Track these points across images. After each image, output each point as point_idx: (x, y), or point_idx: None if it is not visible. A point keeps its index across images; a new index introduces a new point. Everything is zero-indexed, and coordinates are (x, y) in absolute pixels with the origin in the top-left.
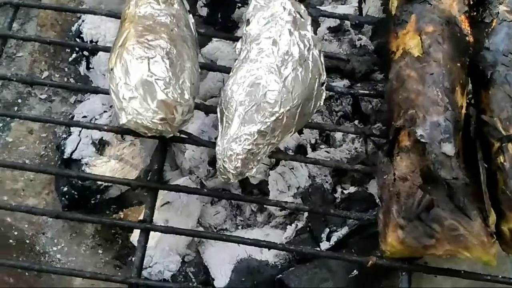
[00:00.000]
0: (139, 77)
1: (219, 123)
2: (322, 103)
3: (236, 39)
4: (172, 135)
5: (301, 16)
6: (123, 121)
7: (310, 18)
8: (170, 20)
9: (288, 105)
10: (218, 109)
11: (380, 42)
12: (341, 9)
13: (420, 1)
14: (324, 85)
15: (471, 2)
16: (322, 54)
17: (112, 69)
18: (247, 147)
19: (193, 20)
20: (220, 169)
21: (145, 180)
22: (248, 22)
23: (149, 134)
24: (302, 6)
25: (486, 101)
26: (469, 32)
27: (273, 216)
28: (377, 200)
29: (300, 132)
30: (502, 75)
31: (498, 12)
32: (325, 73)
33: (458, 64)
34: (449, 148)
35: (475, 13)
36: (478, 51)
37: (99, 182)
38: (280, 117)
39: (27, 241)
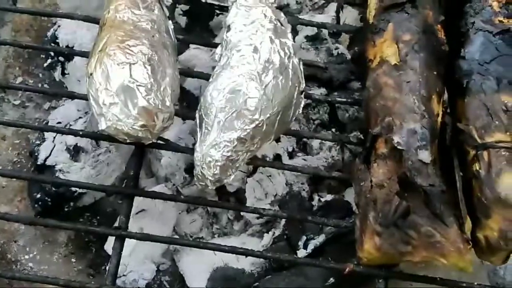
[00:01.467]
0: (120, 82)
1: (198, 129)
2: (300, 111)
3: (214, 45)
4: (151, 141)
5: (281, 24)
6: (103, 127)
7: (290, 26)
8: (151, 26)
9: (268, 113)
10: (197, 115)
11: (357, 51)
12: (318, 18)
13: (398, 10)
14: (303, 93)
15: (447, 12)
16: (301, 63)
17: (91, 74)
18: (226, 154)
19: (172, 27)
20: (198, 176)
21: (121, 187)
22: (228, 28)
23: (128, 141)
24: (282, 14)
25: (462, 109)
26: (445, 41)
27: (249, 224)
28: (354, 208)
29: (278, 140)
30: (478, 84)
31: (474, 22)
32: (304, 81)
33: (435, 73)
34: (425, 155)
35: (450, 23)
36: (454, 60)
37: (73, 189)
38: (260, 125)
39: None
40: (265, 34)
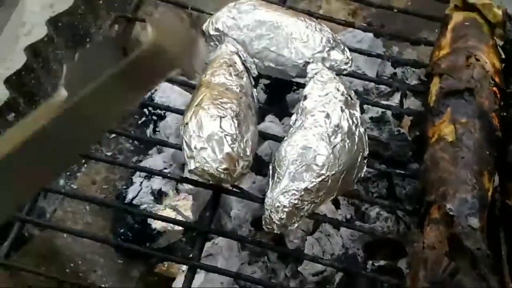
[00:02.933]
0: (211, 131)
1: (270, 179)
2: (362, 175)
3: (289, 115)
4: (229, 184)
5: (351, 98)
6: (191, 167)
7: (359, 102)
8: (239, 90)
9: (334, 170)
10: (270, 167)
11: (417, 134)
12: (384, 102)
13: (456, 97)
14: (366, 159)
15: (502, 103)
16: (366, 133)
17: (187, 123)
18: (294, 201)
19: (256, 94)
20: (266, 219)
21: (197, 224)
22: (305, 97)
23: (211, 181)
24: (352, 91)
25: (510, 189)
26: (498, 128)
27: (305, 281)
28: (406, 272)
29: (338, 207)
30: None
31: None
32: (367, 149)
33: (487, 152)
34: (474, 222)
35: (505, 113)
36: (506, 146)
37: (152, 227)
38: (326, 179)
39: (81, 274)
40: (337, 104)
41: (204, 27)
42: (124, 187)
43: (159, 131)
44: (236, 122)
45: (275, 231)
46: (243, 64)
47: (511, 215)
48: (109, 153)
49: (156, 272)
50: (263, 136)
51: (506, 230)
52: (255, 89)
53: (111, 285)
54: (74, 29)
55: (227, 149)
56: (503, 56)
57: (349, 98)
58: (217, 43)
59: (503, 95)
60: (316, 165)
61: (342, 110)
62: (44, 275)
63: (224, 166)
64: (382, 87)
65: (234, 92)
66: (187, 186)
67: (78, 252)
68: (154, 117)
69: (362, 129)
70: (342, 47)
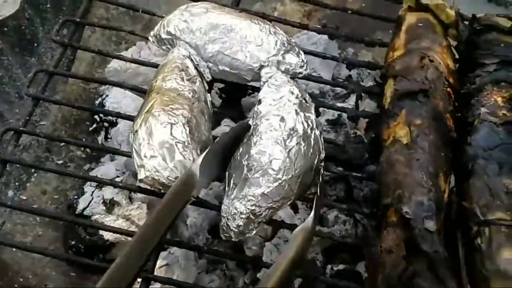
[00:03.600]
0: (161, 139)
1: (226, 186)
2: (320, 179)
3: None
4: None
5: (306, 101)
6: (142, 176)
7: (314, 105)
8: (192, 95)
9: (290, 174)
10: (226, 174)
11: (373, 136)
12: (339, 105)
13: (411, 99)
14: (323, 162)
15: (456, 104)
16: (322, 136)
17: (136, 131)
18: (250, 208)
19: (210, 98)
20: (223, 227)
21: None
22: (259, 102)
23: (163, 191)
24: (307, 94)
25: (467, 190)
26: (453, 128)
27: None
28: (364, 277)
29: (296, 211)
30: (482, 168)
31: (480, 113)
32: (324, 152)
33: (442, 154)
34: (431, 224)
35: (459, 114)
36: (461, 146)
37: (105, 238)
38: (283, 184)
39: None
40: (291, 107)
41: (155, 31)
42: (76, 197)
43: (111, 138)
44: (187, 128)
45: (233, 239)
46: (195, 68)
47: (467, 216)
48: (60, 162)
49: None
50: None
51: (462, 231)
52: (209, 94)
53: None
54: (21, 34)
55: (178, 156)
56: (457, 56)
57: (303, 101)
58: (169, 46)
59: (457, 95)
60: (272, 169)
61: (297, 113)
62: None
63: (175, 174)
64: (338, 89)
65: (186, 98)
66: (141, 195)
67: (27, 266)
68: (106, 124)
69: (317, 132)
70: (297, 50)
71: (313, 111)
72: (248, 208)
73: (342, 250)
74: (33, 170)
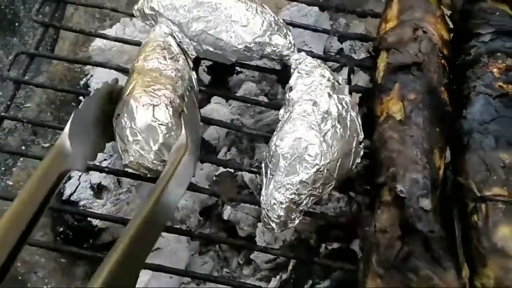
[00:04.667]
0: (144, 122)
1: (264, 177)
2: (359, 160)
3: (234, 98)
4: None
5: (339, 83)
6: (126, 161)
7: (347, 86)
8: (175, 74)
9: (328, 159)
10: (263, 164)
11: (366, 112)
12: None
13: (404, 72)
14: (362, 144)
15: (451, 76)
16: (359, 116)
17: (119, 115)
18: (290, 196)
19: (195, 76)
20: (264, 219)
21: None
22: (290, 89)
23: (149, 175)
24: (339, 76)
25: (462, 165)
26: (448, 102)
27: (258, 269)
28: (359, 256)
29: None
30: (477, 142)
31: (475, 86)
32: (362, 133)
33: (437, 129)
34: (426, 203)
35: (454, 86)
36: (456, 120)
37: (94, 224)
38: (321, 169)
39: (20, 278)
40: (323, 91)
41: (139, 5)
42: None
43: None
44: (170, 109)
45: (276, 230)
46: (178, 46)
47: (463, 192)
48: (46, 145)
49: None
50: (208, 122)
51: (459, 208)
52: (194, 72)
53: (53, 286)
54: (1, 13)
55: (162, 139)
56: (451, 26)
57: (336, 83)
58: (152, 22)
59: (452, 67)
60: (309, 155)
61: (330, 96)
62: None
63: (160, 158)
64: (330, 63)
65: (169, 77)
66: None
67: None
68: None
69: (353, 113)
70: (285, 30)
71: (346, 93)
72: (288, 197)
73: (336, 229)
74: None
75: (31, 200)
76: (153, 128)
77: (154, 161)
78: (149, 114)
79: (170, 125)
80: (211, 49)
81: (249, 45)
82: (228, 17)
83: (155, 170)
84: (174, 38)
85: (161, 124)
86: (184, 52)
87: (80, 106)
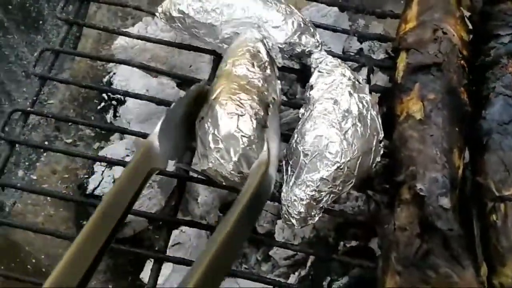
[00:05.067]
0: (227, 130)
1: (284, 174)
2: (379, 159)
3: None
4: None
5: (359, 82)
6: (204, 167)
7: (368, 85)
8: (261, 84)
9: (349, 156)
10: (283, 162)
11: (386, 111)
12: None
13: (424, 72)
14: (382, 143)
15: (470, 77)
16: (379, 116)
17: (202, 117)
18: (310, 193)
19: (280, 86)
20: (285, 215)
21: (161, 215)
22: (311, 87)
23: (224, 184)
24: (361, 77)
25: (481, 165)
26: (467, 102)
27: (277, 266)
28: (377, 254)
29: None
30: (497, 142)
31: (495, 87)
32: (382, 132)
33: (457, 129)
34: (445, 202)
35: (473, 87)
36: (475, 120)
37: None
38: (341, 167)
39: (43, 270)
40: (344, 90)
41: (164, 7)
42: (86, 176)
43: (119, 116)
44: (254, 121)
45: (296, 227)
46: (267, 53)
47: (482, 192)
48: (69, 141)
49: (123, 262)
50: None
51: (477, 208)
52: (279, 81)
53: None
54: (26, 11)
55: (242, 150)
56: (471, 27)
57: (356, 83)
58: (179, 25)
59: (471, 68)
60: (330, 153)
61: (351, 95)
62: (2, 275)
63: (239, 169)
64: (349, 63)
65: (256, 86)
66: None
67: (39, 247)
68: (114, 102)
69: (374, 112)
70: (312, 30)
71: (367, 92)
72: (308, 194)
73: (354, 226)
74: (42, 150)
75: (119, 199)
76: (236, 139)
77: (232, 172)
78: (233, 123)
79: (252, 137)
80: None
81: (281, 46)
82: (260, 18)
83: (231, 181)
84: (264, 45)
85: (243, 136)
86: (272, 60)
87: (171, 106)
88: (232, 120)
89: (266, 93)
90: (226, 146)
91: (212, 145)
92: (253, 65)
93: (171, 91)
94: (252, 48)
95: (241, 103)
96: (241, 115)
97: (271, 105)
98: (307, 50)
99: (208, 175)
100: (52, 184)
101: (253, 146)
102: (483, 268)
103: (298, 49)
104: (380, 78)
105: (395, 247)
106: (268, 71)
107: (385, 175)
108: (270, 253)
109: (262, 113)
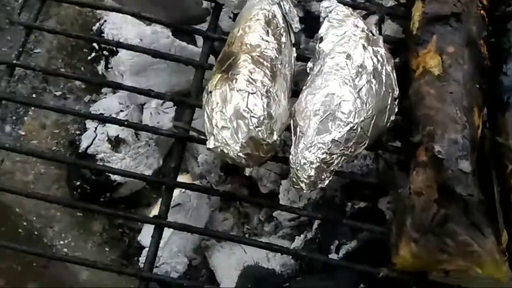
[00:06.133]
0: (235, 109)
1: (293, 135)
2: (393, 118)
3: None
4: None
5: (373, 34)
6: (211, 145)
7: (381, 37)
8: (275, 56)
9: (363, 116)
10: (291, 121)
11: (399, 65)
12: None
13: (442, 23)
14: (397, 100)
15: (490, 28)
16: (394, 70)
17: (211, 92)
18: (321, 156)
19: (295, 54)
20: (293, 179)
21: (161, 177)
22: (321, 39)
23: (230, 163)
24: (374, 26)
25: (501, 124)
26: (487, 56)
27: (280, 226)
28: (387, 216)
29: None
30: None
31: None
32: (398, 88)
33: (477, 86)
34: (466, 165)
35: (493, 40)
36: (495, 76)
37: (112, 179)
38: (354, 128)
39: (36, 233)
40: (357, 42)
41: None
42: (78, 132)
43: (111, 68)
44: (265, 100)
45: (305, 191)
46: (284, 18)
47: (503, 153)
48: (58, 93)
49: (120, 223)
50: None
51: (496, 170)
52: (294, 49)
53: (70, 241)
54: None
55: (251, 132)
56: None
57: (370, 34)
58: None
59: (491, 18)
60: (342, 112)
61: (364, 48)
62: None
63: (246, 151)
64: (357, 10)
65: (269, 58)
66: None
67: (31, 208)
68: (106, 52)
69: (389, 67)
70: None
71: (381, 44)
72: (319, 157)
73: (362, 187)
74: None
75: None
76: (244, 119)
77: (239, 154)
78: (243, 102)
79: (262, 118)
80: None
81: None
82: None
83: (238, 162)
84: (281, 8)
85: (253, 116)
86: (288, 25)
87: None
88: (242, 98)
89: (279, 65)
90: (235, 126)
91: (219, 124)
92: (267, 33)
93: (166, 41)
94: (268, 12)
95: (252, 79)
96: (252, 93)
97: (286, 76)
98: None
99: (213, 153)
100: (41, 140)
101: (262, 127)
102: (504, 236)
103: None
104: (389, 27)
105: (410, 212)
106: (283, 38)
107: (396, 133)
108: (274, 214)
109: (274, 90)
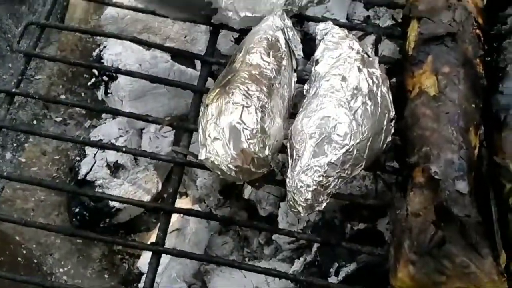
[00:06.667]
0: (229, 121)
1: (289, 157)
2: (390, 139)
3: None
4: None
5: (368, 55)
6: (202, 157)
7: (377, 58)
8: (273, 76)
9: (358, 138)
10: (288, 144)
11: (395, 85)
12: None
13: (437, 43)
14: (393, 121)
15: (486, 47)
16: (390, 92)
17: (207, 105)
18: (317, 179)
19: (295, 79)
20: (290, 202)
21: (160, 202)
22: (316, 62)
23: (221, 176)
24: (369, 48)
25: (499, 143)
26: (483, 75)
27: (280, 249)
28: (387, 238)
29: None
30: None
31: None
32: (393, 110)
33: (473, 105)
34: (463, 186)
35: (489, 58)
36: (492, 94)
37: (111, 205)
38: (351, 150)
39: (35, 261)
40: (353, 64)
41: None
42: (77, 158)
43: (111, 93)
44: (259, 114)
45: (302, 214)
46: (286, 43)
47: (500, 173)
48: (58, 119)
49: (119, 249)
50: None
51: (494, 189)
52: (294, 74)
53: (69, 268)
54: None
55: (243, 144)
56: None
57: (365, 56)
58: None
59: (487, 37)
60: (338, 135)
61: (360, 70)
62: None
63: (236, 163)
64: (353, 31)
65: (267, 77)
66: None
67: (30, 236)
68: (105, 78)
69: (384, 88)
70: None
71: (377, 66)
72: (315, 180)
73: (361, 208)
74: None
75: None
76: (237, 131)
77: (230, 166)
78: (236, 114)
79: (255, 131)
80: (249, 14)
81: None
82: None
83: (227, 174)
84: (285, 34)
85: (245, 129)
86: (291, 51)
87: None
88: (236, 110)
89: (277, 84)
90: (227, 137)
91: (212, 135)
92: (268, 55)
93: (165, 65)
94: (270, 36)
95: (248, 94)
96: (247, 107)
97: (283, 97)
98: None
99: (205, 164)
100: (42, 167)
101: (255, 141)
102: (503, 256)
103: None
104: (387, 47)
105: (408, 234)
106: (284, 62)
107: (394, 153)
108: (273, 237)
109: (269, 107)
